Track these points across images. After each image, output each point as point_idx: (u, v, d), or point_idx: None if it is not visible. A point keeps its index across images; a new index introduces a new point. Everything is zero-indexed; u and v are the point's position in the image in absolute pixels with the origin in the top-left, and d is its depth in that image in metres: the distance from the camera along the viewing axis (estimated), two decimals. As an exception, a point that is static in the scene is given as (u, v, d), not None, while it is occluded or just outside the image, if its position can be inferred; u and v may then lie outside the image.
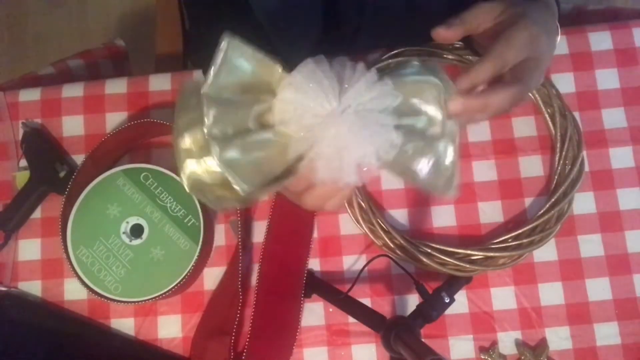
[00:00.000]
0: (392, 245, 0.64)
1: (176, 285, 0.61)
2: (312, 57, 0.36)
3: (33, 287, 0.67)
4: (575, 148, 0.66)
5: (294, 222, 0.67)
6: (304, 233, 0.67)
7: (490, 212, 0.67)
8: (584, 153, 0.66)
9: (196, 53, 0.87)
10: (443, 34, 0.48)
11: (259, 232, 0.67)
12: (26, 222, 0.68)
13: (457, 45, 0.69)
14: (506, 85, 0.46)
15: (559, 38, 0.54)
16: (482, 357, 0.63)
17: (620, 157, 0.67)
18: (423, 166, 0.38)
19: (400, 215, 0.67)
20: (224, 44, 0.35)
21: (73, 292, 0.66)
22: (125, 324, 0.66)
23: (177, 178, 0.64)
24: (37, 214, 0.69)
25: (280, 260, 0.66)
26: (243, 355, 0.62)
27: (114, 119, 0.71)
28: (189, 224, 0.63)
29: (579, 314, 0.64)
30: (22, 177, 0.68)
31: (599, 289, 0.64)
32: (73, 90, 0.72)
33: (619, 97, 0.69)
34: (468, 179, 0.67)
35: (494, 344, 0.63)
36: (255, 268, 0.66)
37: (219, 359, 0.61)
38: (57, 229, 0.64)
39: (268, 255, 0.66)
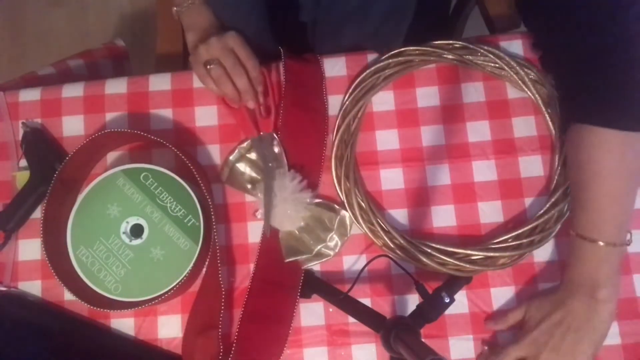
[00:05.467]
0: (392, 245, 0.64)
1: (176, 285, 0.61)
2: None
3: (33, 287, 0.67)
4: (575, 148, 0.66)
5: None
6: None
7: (490, 212, 0.67)
8: (584, 153, 0.66)
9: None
10: (492, 327, 0.63)
11: (257, 230, 0.67)
12: (26, 222, 0.68)
13: (457, 45, 0.69)
14: None
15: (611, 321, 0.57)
16: None
17: (620, 157, 0.67)
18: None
19: (400, 215, 0.67)
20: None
21: (73, 292, 0.66)
22: (125, 324, 0.66)
23: (177, 178, 0.64)
24: (37, 214, 0.69)
25: (278, 254, 0.66)
26: (233, 346, 0.62)
27: (114, 119, 0.71)
28: (189, 224, 0.63)
29: (579, 314, 0.64)
30: (22, 177, 0.68)
31: (599, 289, 0.64)
32: (73, 90, 0.72)
33: (619, 97, 0.69)
34: (468, 179, 0.68)
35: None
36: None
37: (209, 353, 0.61)
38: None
39: (265, 249, 0.66)
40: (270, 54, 0.70)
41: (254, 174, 0.68)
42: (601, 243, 0.55)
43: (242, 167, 0.68)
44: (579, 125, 0.57)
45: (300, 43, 0.75)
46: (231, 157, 0.68)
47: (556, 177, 0.65)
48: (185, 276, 0.61)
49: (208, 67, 0.63)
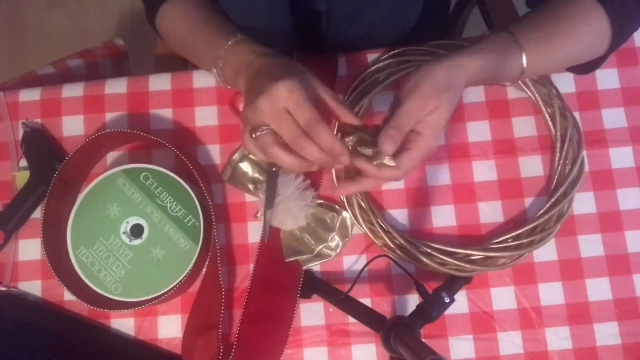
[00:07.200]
0: (392, 245, 0.64)
1: (176, 285, 0.61)
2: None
3: (33, 287, 0.67)
4: (575, 148, 0.66)
5: None
6: None
7: (490, 212, 0.67)
8: (584, 153, 0.66)
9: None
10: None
11: (257, 230, 0.67)
12: (26, 222, 0.68)
13: (457, 45, 0.69)
14: (412, 152, 0.50)
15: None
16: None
17: (620, 157, 0.67)
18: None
19: (400, 215, 0.67)
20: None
21: (73, 292, 0.66)
22: (125, 324, 0.66)
23: (177, 178, 0.64)
24: (37, 214, 0.69)
25: (278, 254, 0.66)
26: (233, 346, 0.62)
27: (114, 119, 0.71)
28: (189, 224, 0.63)
29: (579, 314, 0.64)
30: (22, 177, 0.68)
31: (599, 289, 0.64)
32: (73, 90, 0.72)
33: (619, 97, 0.69)
34: (468, 179, 0.68)
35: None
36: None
37: (209, 353, 0.61)
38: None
39: (264, 249, 0.66)
40: (287, 45, 0.68)
41: (256, 175, 0.68)
42: (524, 56, 0.55)
43: (244, 167, 0.68)
44: None
45: (314, 31, 0.74)
46: (234, 157, 0.68)
47: (556, 177, 0.65)
48: (185, 276, 0.61)
49: (253, 135, 0.49)
